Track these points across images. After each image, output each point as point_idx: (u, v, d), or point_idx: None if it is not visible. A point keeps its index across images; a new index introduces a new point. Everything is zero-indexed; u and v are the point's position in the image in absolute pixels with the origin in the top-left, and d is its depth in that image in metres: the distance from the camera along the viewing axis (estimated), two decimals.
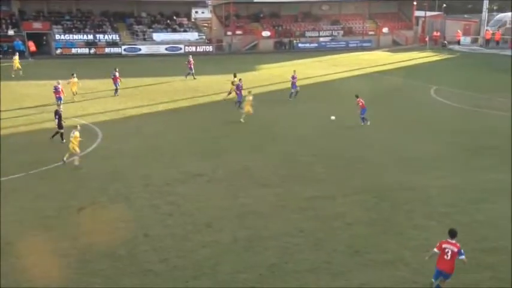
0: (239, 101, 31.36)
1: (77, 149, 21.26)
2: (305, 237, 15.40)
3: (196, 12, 70.95)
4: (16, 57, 44.37)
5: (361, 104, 27.40)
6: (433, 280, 12.40)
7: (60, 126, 24.63)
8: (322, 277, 13.35)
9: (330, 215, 16.98)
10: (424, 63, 54.24)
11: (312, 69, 44.79)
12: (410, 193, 18.73)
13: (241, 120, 28.10)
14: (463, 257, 11.96)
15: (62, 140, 24.45)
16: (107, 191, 19.03)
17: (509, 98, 34.35)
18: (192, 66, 42.32)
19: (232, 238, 15.36)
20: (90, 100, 34.27)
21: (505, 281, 13.19)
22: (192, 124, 28.97)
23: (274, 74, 45.15)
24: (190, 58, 43.14)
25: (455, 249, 11.96)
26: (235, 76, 33.47)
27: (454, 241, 12.12)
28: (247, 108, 28.20)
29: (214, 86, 39.85)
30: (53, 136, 24.76)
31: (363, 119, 27.47)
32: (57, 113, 24.80)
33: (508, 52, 58.74)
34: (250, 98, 28.53)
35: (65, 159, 21.30)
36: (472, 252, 13.59)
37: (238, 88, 31.68)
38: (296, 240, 15.23)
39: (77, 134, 21.29)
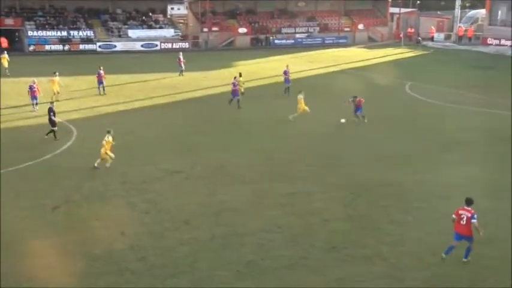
0: (233, 99, 31.39)
1: (111, 154, 20.69)
2: (282, 234, 15.45)
3: (172, 8, 69.97)
4: (6, 55, 43.08)
5: (359, 102, 27.56)
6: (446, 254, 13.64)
7: (53, 123, 24.29)
8: (299, 273, 13.41)
9: (308, 211, 17.07)
10: (399, 60, 54.68)
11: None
12: (387, 189, 18.91)
13: (290, 118, 27.66)
14: (474, 221, 13.31)
15: (56, 138, 24.27)
16: (82, 189, 18.81)
17: (481, 94, 34.97)
18: (182, 63, 42.37)
19: (210, 235, 15.33)
20: (65, 97, 33.72)
21: (478, 275, 13.43)
22: (170, 121, 28.74)
23: (250, 71, 45.02)
24: (181, 56, 43.09)
25: (469, 215, 13.35)
26: (240, 75, 33.35)
27: (469, 208, 13.48)
28: (302, 106, 27.79)
29: (191, 83, 39.62)
30: (47, 134, 24.38)
31: (357, 116, 27.67)
32: (51, 110, 24.42)
33: (480, 48, 59.67)
34: (302, 96, 28.03)
35: (96, 164, 20.71)
36: (446, 246, 13.81)
37: (235, 86, 31.72)
38: (273, 236, 15.27)
39: (110, 138, 20.79)
